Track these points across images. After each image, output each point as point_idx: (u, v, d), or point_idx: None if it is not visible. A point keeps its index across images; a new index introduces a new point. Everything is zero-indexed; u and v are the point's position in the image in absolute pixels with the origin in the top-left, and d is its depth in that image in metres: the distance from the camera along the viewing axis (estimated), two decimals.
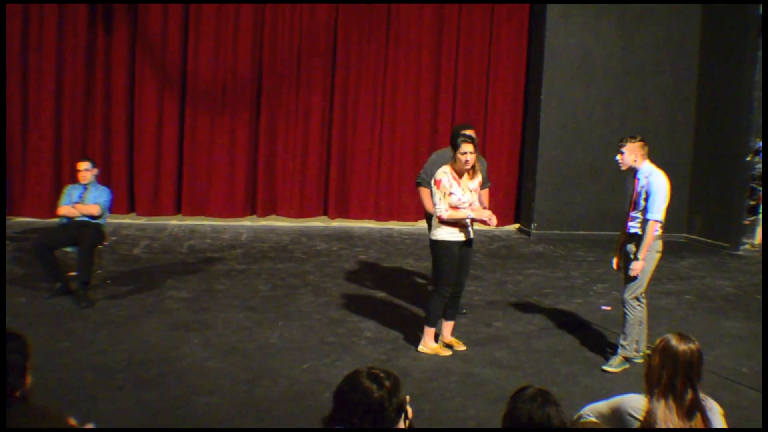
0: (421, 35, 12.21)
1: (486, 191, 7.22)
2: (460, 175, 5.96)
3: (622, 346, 5.99)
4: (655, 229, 5.78)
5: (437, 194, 5.88)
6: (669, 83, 12.04)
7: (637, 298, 5.94)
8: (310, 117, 12.18)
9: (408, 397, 2.59)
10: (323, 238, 11.09)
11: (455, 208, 5.90)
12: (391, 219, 12.46)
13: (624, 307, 5.97)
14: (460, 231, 6.01)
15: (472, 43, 12.36)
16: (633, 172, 5.92)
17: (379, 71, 12.26)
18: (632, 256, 5.88)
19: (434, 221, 6.05)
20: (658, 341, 3.30)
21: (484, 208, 6.99)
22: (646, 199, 5.79)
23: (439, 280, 6.08)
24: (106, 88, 11.64)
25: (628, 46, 11.89)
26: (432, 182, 5.95)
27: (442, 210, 5.87)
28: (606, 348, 6.45)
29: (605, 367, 5.98)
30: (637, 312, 5.95)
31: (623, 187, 6.17)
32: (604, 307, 7.87)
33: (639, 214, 5.86)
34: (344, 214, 12.42)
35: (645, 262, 5.81)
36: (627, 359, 6.02)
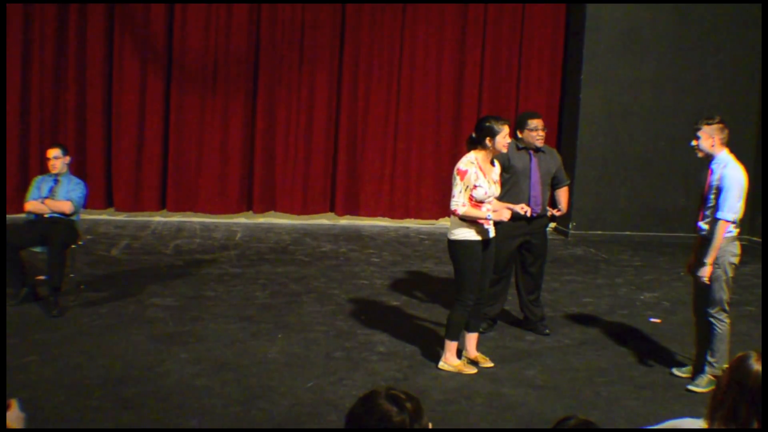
0: (443, 3, 12.20)
1: (565, 190, 7.36)
2: (485, 165, 6.00)
3: (710, 363, 6.01)
4: (726, 230, 5.77)
5: (459, 186, 5.92)
6: (729, 61, 11.97)
7: (723, 310, 5.97)
8: (314, 98, 12.20)
9: (431, 423, 2.60)
10: (329, 238, 11.11)
11: (480, 203, 5.94)
12: (407, 217, 12.48)
13: (710, 320, 5.98)
14: (483, 229, 6.04)
15: (502, 13, 12.34)
16: (708, 161, 5.91)
17: (395, 44, 12.26)
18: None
19: (452, 219, 6.08)
20: (736, 357, 3.24)
21: (560, 209, 7.20)
22: (717, 196, 5.77)
23: (462, 286, 6.09)
24: (80, 65, 11.69)
25: (682, 18, 11.82)
26: (455, 172, 5.98)
27: (459, 204, 5.91)
28: (650, 363, 6.44)
29: (691, 387, 6.01)
30: (725, 325, 5.99)
31: (696, 179, 6.15)
32: (652, 320, 7.85)
33: (708, 212, 5.86)
34: (354, 210, 12.45)
35: (714, 268, 5.80)
36: (716, 378, 6.02)
